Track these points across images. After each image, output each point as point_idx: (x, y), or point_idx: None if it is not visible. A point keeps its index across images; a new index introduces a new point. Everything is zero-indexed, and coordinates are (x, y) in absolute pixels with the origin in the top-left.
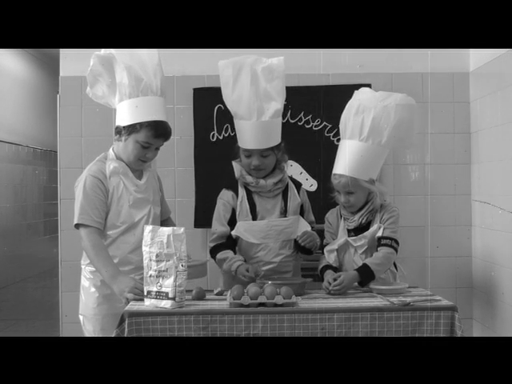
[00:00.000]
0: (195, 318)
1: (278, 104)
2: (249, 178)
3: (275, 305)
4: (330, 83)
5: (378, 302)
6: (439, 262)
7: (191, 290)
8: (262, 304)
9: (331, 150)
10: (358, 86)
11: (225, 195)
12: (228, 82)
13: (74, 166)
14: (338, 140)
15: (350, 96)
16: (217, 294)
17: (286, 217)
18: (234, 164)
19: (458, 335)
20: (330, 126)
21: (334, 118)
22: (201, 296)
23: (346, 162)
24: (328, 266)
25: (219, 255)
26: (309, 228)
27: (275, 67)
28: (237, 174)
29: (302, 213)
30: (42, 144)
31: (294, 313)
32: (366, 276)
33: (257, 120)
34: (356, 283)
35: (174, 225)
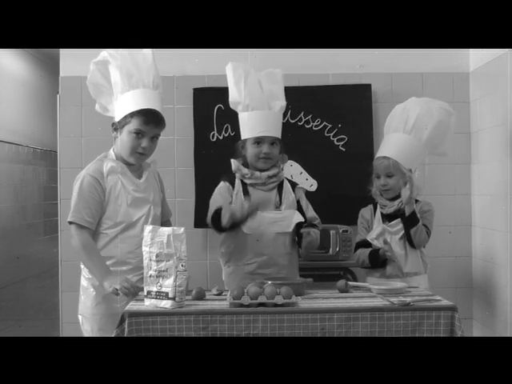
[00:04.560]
0: (195, 317)
1: (282, 102)
2: (244, 170)
3: (275, 305)
4: (330, 83)
5: (378, 302)
6: (439, 262)
7: (191, 290)
8: (262, 304)
9: (331, 150)
10: (358, 86)
11: (221, 186)
12: (240, 79)
13: (74, 166)
14: (338, 140)
15: (350, 96)
16: (216, 294)
17: (280, 210)
18: (232, 160)
19: (458, 335)
20: (330, 125)
21: (334, 118)
22: (201, 296)
23: (389, 147)
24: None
25: (223, 213)
26: (302, 219)
27: (276, 73)
28: (234, 167)
29: (300, 209)
30: (42, 144)
31: (293, 313)
32: (411, 216)
33: (269, 110)
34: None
35: None
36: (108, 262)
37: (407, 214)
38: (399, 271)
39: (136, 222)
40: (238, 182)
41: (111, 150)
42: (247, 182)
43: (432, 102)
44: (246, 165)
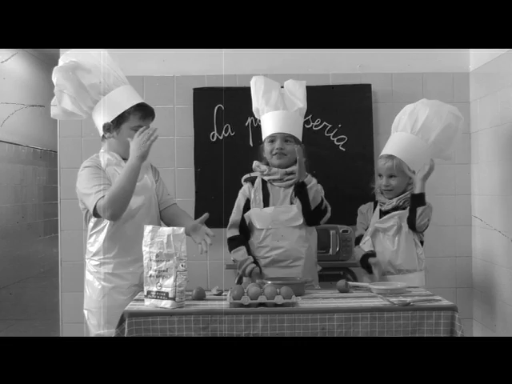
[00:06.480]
0: (195, 317)
1: (300, 103)
2: (263, 167)
3: (275, 305)
4: (330, 83)
5: (378, 301)
6: (439, 262)
7: (191, 290)
8: (262, 304)
9: (331, 150)
10: (358, 86)
11: (240, 191)
12: (260, 88)
13: (74, 166)
14: (338, 140)
15: (350, 96)
16: (216, 294)
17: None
18: (254, 161)
19: (458, 335)
20: (330, 125)
21: (334, 118)
22: (201, 296)
23: (394, 146)
24: (367, 255)
25: (233, 254)
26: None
27: (298, 83)
28: (254, 165)
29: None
30: (42, 144)
31: (294, 313)
32: (421, 195)
33: (283, 110)
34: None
35: (182, 212)
36: (111, 253)
37: (418, 191)
38: (392, 268)
39: (135, 211)
40: (258, 180)
41: (102, 150)
42: (265, 178)
43: (442, 105)
44: (267, 165)
